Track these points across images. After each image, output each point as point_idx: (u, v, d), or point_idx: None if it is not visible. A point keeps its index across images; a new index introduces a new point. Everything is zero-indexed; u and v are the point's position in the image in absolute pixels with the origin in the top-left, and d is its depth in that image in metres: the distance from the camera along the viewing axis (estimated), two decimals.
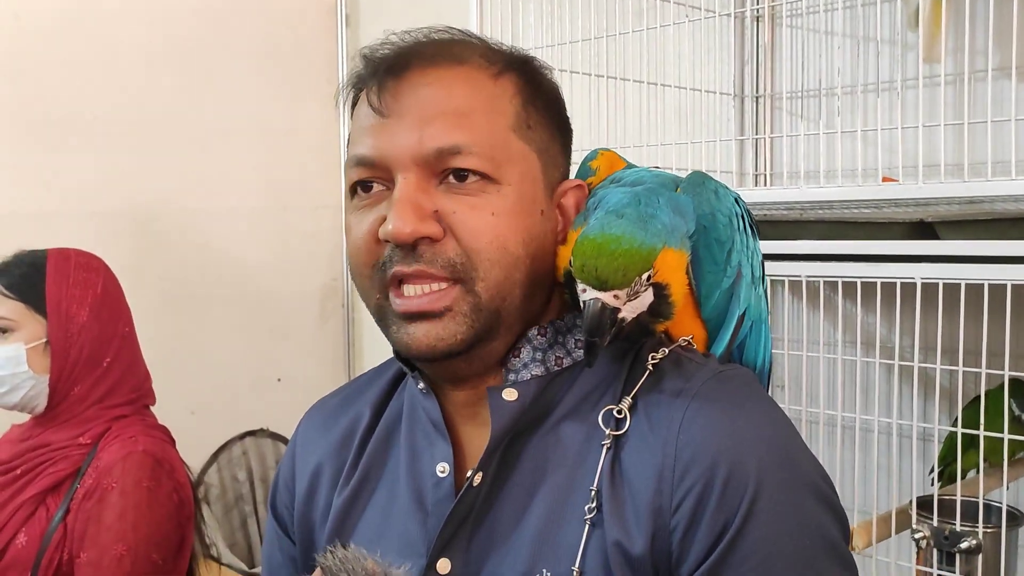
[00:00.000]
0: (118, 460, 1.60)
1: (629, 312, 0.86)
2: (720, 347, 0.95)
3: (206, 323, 2.78)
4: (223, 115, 2.78)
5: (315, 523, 1.00)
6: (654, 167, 1.05)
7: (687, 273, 0.91)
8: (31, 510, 1.61)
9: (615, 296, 0.84)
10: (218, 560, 2.53)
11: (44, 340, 1.66)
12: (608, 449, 0.85)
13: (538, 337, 0.91)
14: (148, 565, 1.57)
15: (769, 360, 1.02)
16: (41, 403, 1.68)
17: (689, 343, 0.93)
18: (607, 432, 0.85)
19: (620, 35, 1.83)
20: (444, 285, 0.86)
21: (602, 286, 0.84)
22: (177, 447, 1.75)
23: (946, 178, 1.50)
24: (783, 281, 1.85)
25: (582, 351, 0.91)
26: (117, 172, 2.58)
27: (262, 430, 2.93)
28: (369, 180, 0.88)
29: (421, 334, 0.86)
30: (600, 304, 0.84)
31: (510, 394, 0.88)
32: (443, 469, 0.89)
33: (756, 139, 2.11)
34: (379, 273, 0.87)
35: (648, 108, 1.87)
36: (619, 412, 0.86)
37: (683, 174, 1.76)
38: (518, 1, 1.91)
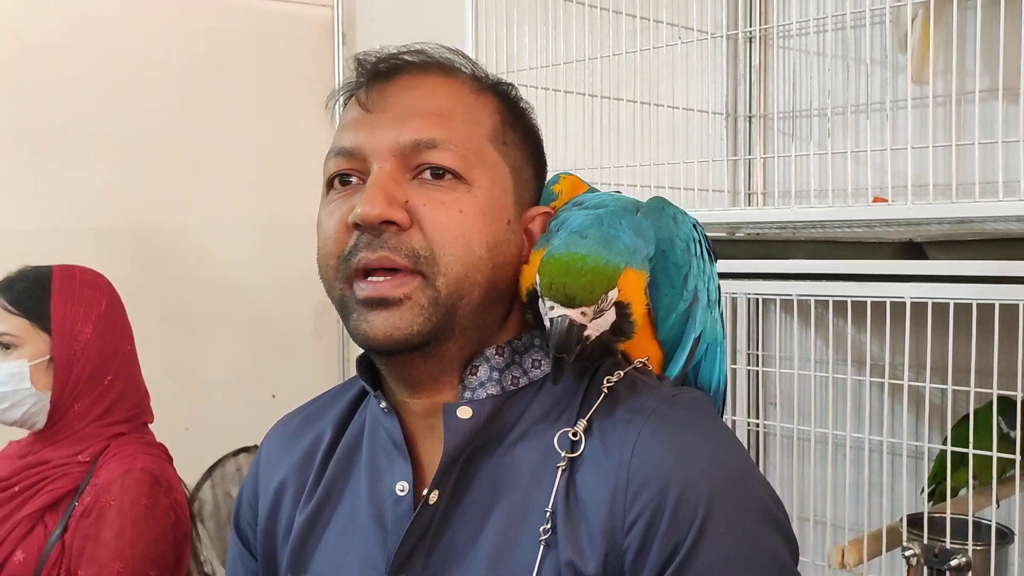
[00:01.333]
0: (116, 478, 1.60)
1: (594, 330, 0.88)
2: (675, 369, 0.97)
3: (201, 339, 2.79)
4: (220, 132, 2.79)
5: (278, 540, 1.02)
6: (616, 191, 1.09)
7: (645, 294, 0.93)
8: (29, 527, 1.61)
9: (582, 313, 0.87)
10: None
11: (47, 357, 1.66)
12: (563, 471, 0.86)
13: (496, 356, 0.93)
14: None
15: (724, 382, 1.04)
16: (41, 420, 1.68)
17: (645, 365, 0.95)
18: (562, 454, 0.87)
19: (614, 56, 1.84)
20: (405, 276, 0.87)
21: (570, 303, 0.86)
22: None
23: (935, 198, 1.52)
24: (775, 300, 1.86)
25: (538, 371, 0.93)
26: (116, 189, 2.59)
27: (256, 447, 2.92)
28: (347, 172, 0.91)
29: (380, 322, 0.87)
30: (568, 321, 0.86)
31: (464, 412, 0.90)
32: (403, 488, 0.91)
33: (749, 159, 2.13)
34: (344, 263, 0.89)
35: (641, 128, 1.88)
36: (574, 435, 0.87)
37: (676, 193, 1.79)
38: (513, 22, 1.93)
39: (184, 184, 2.72)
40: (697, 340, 0.98)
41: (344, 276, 0.90)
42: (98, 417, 1.69)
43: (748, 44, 2.16)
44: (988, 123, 1.61)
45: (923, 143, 1.53)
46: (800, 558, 1.72)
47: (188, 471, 2.64)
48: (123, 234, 2.61)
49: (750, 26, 2.09)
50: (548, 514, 0.85)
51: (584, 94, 1.90)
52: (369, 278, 0.88)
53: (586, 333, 0.88)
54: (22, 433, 1.75)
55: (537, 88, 1.92)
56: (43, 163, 2.47)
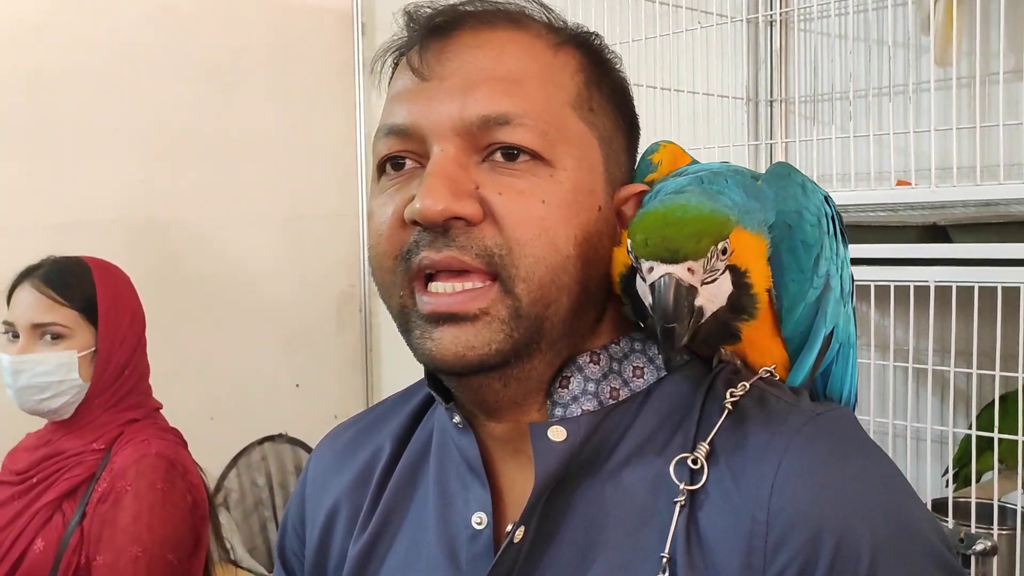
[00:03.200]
0: (132, 463, 1.62)
1: (707, 300, 0.72)
2: (801, 374, 0.79)
3: (225, 331, 2.81)
4: (240, 125, 2.81)
5: (328, 573, 0.88)
6: (724, 162, 0.89)
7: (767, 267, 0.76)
8: (47, 516, 1.62)
9: (689, 270, 0.70)
10: (237, 564, 2.55)
11: (93, 349, 1.68)
12: (682, 507, 0.70)
13: (590, 365, 0.77)
14: (164, 566, 1.58)
15: (855, 392, 0.86)
16: (71, 409, 1.69)
17: (771, 374, 0.77)
18: (680, 486, 0.70)
19: (633, 41, 1.84)
20: (479, 284, 0.72)
21: (673, 256, 0.69)
22: (196, 452, 1.76)
23: (960, 181, 1.50)
24: None
25: (640, 381, 0.77)
26: (138, 183, 2.61)
27: (280, 435, 2.95)
28: (401, 155, 0.75)
29: (448, 340, 0.72)
30: (675, 280, 0.69)
31: (557, 433, 0.74)
32: (480, 520, 0.75)
33: (770, 144, 2.12)
34: (403, 265, 0.74)
35: (661, 113, 1.88)
36: (695, 462, 0.71)
37: None
38: None
39: (205, 176, 2.74)
40: (829, 338, 0.80)
41: (404, 281, 0.74)
42: (113, 405, 1.71)
43: (768, 28, 2.14)
44: (1013, 104, 1.59)
45: (947, 125, 1.51)
46: None
47: (214, 460, 2.68)
48: (146, 228, 2.63)
49: (770, 9, 2.08)
50: (665, 561, 0.69)
51: None
52: (431, 286, 0.73)
53: (698, 303, 0.71)
54: (40, 424, 1.76)
55: None
56: (65, 158, 2.49)
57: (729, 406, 0.73)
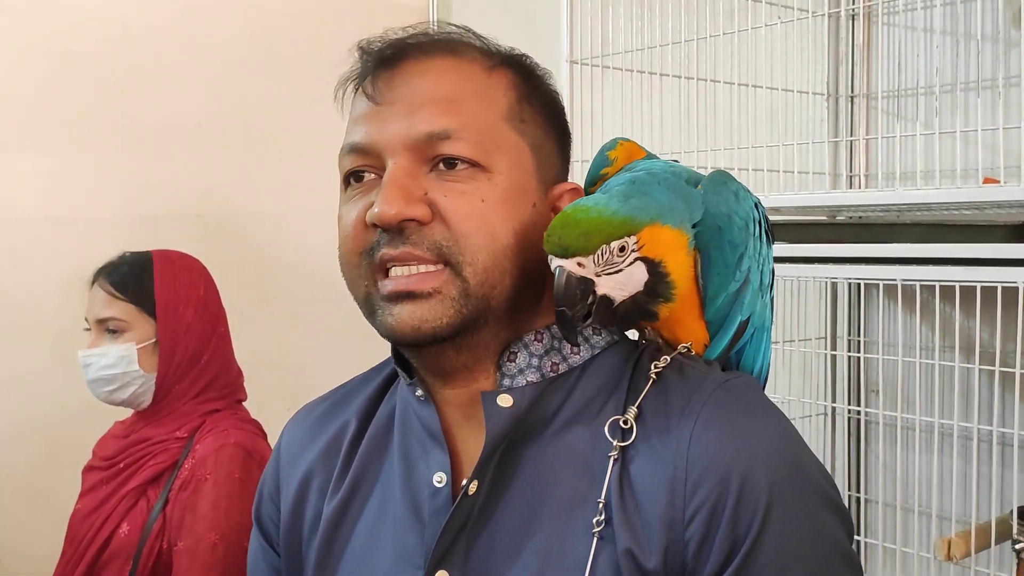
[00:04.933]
0: (212, 452, 1.66)
1: (610, 287, 0.85)
2: (716, 350, 0.94)
3: (297, 323, 2.85)
4: (318, 120, 2.83)
5: (303, 533, 0.99)
6: (673, 161, 1.04)
7: (695, 266, 0.90)
8: (133, 501, 1.68)
9: (579, 264, 0.83)
10: None
11: (153, 340, 1.73)
12: (615, 460, 0.83)
13: (534, 343, 0.90)
14: (240, 552, 1.60)
15: (766, 368, 1.00)
16: (147, 399, 1.74)
17: (689, 350, 0.92)
18: (614, 443, 0.84)
19: (711, 37, 1.82)
20: (432, 268, 0.85)
21: (564, 252, 0.83)
22: (270, 441, 1.80)
23: None
24: (878, 285, 1.81)
25: (577, 357, 0.90)
26: (211, 176, 2.66)
27: None
28: (361, 169, 0.89)
29: (406, 315, 0.85)
30: (566, 272, 0.83)
31: (505, 400, 0.87)
32: (440, 479, 0.88)
33: (851, 140, 2.08)
34: (367, 260, 0.87)
35: (739, 110, 1.85)
36: (625, 422, 0.85)
37: (775, 177, 1.76)
38: (608, 4, 1.92)
39: (278, 171, 2.77)
40: (744, 324, 0.94)
41: (368, 273, 0.87)
42: (195, 395, 1.75)
43: (850, 22, 2.10)
44: None
45: None
46: (904, 549, 1.68)
47: None
48: (221, 221, 2.68)
49: (853, 4, 2.03)
50: (601, 505, 0.82)
51: (680, 77, 1.88)
52: (391, 271, 0.86)
53: (602, 292, 0.84)
54: (127, 414, 1.82)
55: (632, 71, 1.91)
56: (152, 152, 2.55)
57: (653, 375, 0.87)
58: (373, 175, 0.88)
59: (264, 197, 2.75)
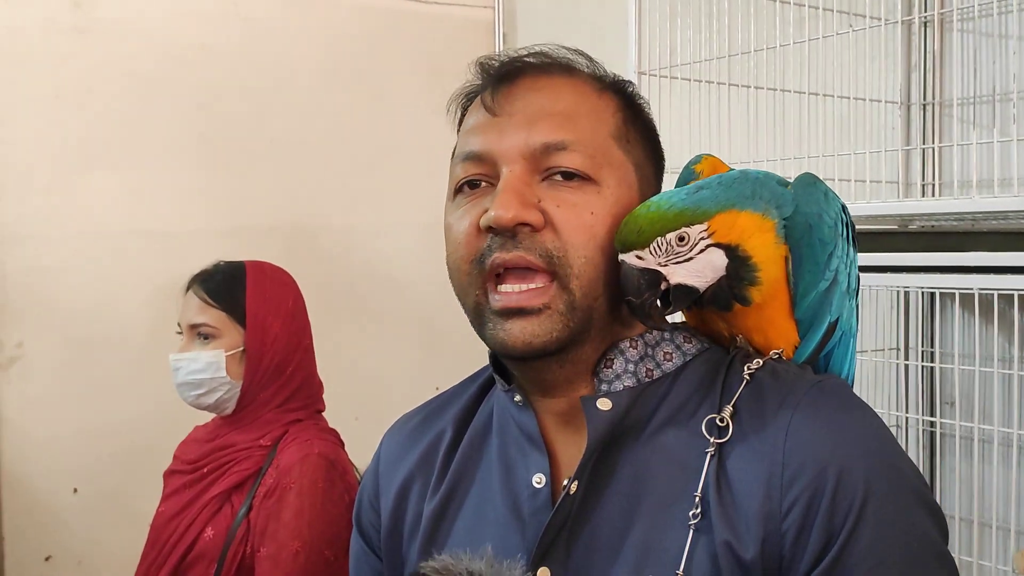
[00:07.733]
0: (296, 462, 1.69)
1: (687, 276, 0.88)
2: (806, 351, 0.95)
3: (370, 334, 2.89)
4: (387, 133, 2.89)
5: (403, 536, 1.03)
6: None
7: (785, 263, 0.91)
8: (218, 506, 1.71)
9: (637, 256, 0.87)
10: None
11: (241, 348, 1.77)
12: (712, 456, 0.86)
13: (630, 349, 0.93)
14: (321, 561, 1.64)
15: (852, 375, 1.02)
16: (231, 405, 1.79)
17: (780, 356, 0.94)
18: (711, 440, 0.87)
19: (780, 47, 1.81)
20: (541, 283, 0.88)
21: (623, 247, 0.88)
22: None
23: None
24: (953, 294, 1.78)
25: (670, 364, 0.93)
26: (291, 190, 2.73)
27: None
28: (476, 177, 0.93)
29: (517, 331, 0.88)
30: (626, 265, 0.88)
31: (604, 403, 0.90)
32: (539, 480, 0.91)
33: (924, 148, 2.05)
34: (478, 267, 0.90)
35: (808, 119, 1.84)
36: (721, 420, 0.87)
37: (846, 186, 1.74)
38: (676, 15, 1.92)
39: (353, 185, 2.83)
40: (833, 326, 0.96)
41: (479, 281, 0.90)
42: (279, 405, 1.78)
43: (923, 29, 2.07)
44: None
45: None
46: (980, 563, 1.65)
47: (358, 458, 2.75)
48: (298, 234, 2.74)
49: (926, 10, 2.00)
50: (697, 499, 0.84)
51: (749, 87, 1.87)
52: (502, 287, 0.89)
53: (675, 280, 0.88)
54: (206, 418, 1.87)
55: (700, 82, 1.91)
56: (230, 168, 2.63)
57: (747, 376, 0.89)
58: (486, 183, 0.92)
59: (334, 210, 2.81)
